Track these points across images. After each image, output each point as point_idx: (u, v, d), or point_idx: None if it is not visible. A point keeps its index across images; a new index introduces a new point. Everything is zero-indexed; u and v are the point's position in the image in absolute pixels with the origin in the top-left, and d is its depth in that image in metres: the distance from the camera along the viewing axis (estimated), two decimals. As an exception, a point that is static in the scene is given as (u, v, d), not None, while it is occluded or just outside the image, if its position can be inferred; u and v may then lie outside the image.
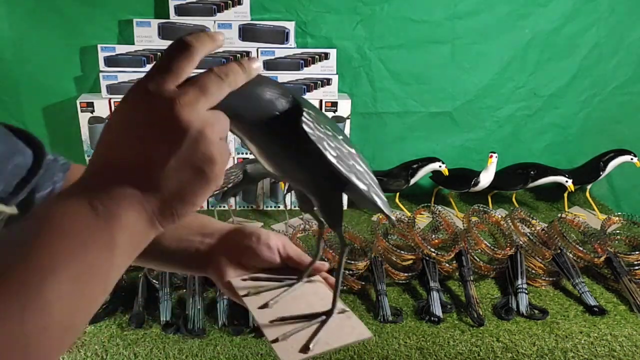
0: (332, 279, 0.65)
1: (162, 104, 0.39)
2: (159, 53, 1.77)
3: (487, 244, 1.45)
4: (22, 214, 0.60)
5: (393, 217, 0.56)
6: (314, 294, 0.62)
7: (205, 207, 1.84)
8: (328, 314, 0.58)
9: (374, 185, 0.53)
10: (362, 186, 0.51)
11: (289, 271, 0.65)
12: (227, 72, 0.42)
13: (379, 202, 0.53)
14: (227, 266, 0.62)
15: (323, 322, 0.57)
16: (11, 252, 0.38)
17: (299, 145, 0.47)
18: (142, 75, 0.41)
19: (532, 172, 1.85)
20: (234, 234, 0.64)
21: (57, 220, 0.38)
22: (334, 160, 0.47)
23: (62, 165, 0.66)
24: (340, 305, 0.59)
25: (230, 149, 0.47)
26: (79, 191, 0.40)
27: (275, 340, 0.54)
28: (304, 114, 0.47)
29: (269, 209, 1.88)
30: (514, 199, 1.93)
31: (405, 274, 1.40)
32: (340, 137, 0.50)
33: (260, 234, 0.63)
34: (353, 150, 0.52)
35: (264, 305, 0.59)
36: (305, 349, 0.53)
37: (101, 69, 1.75)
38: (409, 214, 1.76)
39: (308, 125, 0.46)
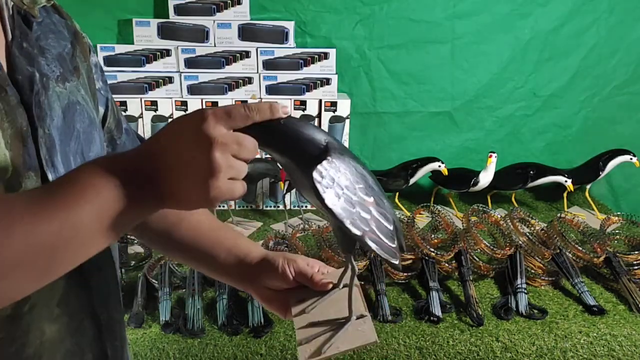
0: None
1: (199, 119, 0.52)
2: (158, 53, 1.77)
3: (487, 243, 1.45)
4: None
5: (395, 261, 0.63)
6: (346, 299, 0.70)
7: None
8: (347, 319, 0.67)
9: (378, 233, 0.61)
10: (354, 231, 0.58)
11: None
12: (254, 108, 0.54)
13: (374, 247, 0.60)
14: (261, 290, 0.77)
15: (341, 327, 0.66)
16: (66, 184, 0.52)
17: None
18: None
19: (531, 172, 1.85)
20: (262, 264, 0.77)
21: (103, 176, 0.52)
22: (331, 206, 0.57)
23: None
24: (361, 310, 0.68)
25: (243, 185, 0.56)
26: (123, 167, 0.54)
27: (301, 344, 0.65)
28: (324, 162, 0.57)
29: (268, 208, 1.88)
30: (513, 199, 1.94)
31: (405, 274, 1.40)
32: (360, 186, 0.60)
33: (277, 265, 0.75)
34: (370, 199, 0.60)
35: (302, 312, 0.70)
36: (317, 352, 0.63)
37: (101, 68, 1.75)
38: (408, 213, 1.76)
39: (319, 172, 0.57)
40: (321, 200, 0.57)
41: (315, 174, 0.57)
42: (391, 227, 0.62)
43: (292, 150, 0.58)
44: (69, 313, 0.63)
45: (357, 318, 0.68)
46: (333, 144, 0.59)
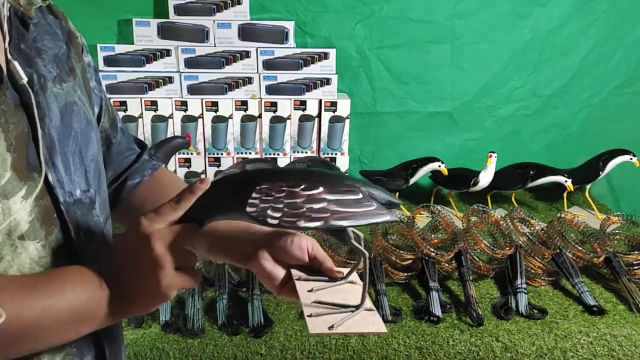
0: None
1: (136, 225, 0.60)
2: (158, 53, 1.77)
3: (487, 243, 1.45)
4: (116, 195, 0.83)
5: (384, 218, 0.63)
6: (351, 291, 0.72)
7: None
8: (357, 307, 0.68)
9: (344, 210, 0.62)
10: (312, 225, 0.60)
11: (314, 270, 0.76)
12: (178, 200, 0.61)
13: (345, 224, 0.61)
14: (265, 262, 0.74)
15: (351, 312, 0.67)
16: (51, 276, 0.59)
17: None
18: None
19: (531, 172, 1.85)
20: (273, 235, 0.75)
21: (82, 275, 0.60)
22: (274, 222, 0.60)
23: (153, 165, 0.87)
24: (369, 304, 0.69)
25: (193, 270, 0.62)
26: (95, 271, 0.60)
27: (310, 316, 0.66)
28: (252, 194, 0.61)
29: (268, 208, 1.87)
30: (513, 199, 1.93)
31: (405, 274, 1.40)
32: (302, 186, 0.62)
33: (294, 237, 0.74)
34: (318, 190, 0.62)
35: (310, 290, 0.71)
36: (330, 327, 0.64)
37: (100, 68, 1.75)
38: (408, 213, 1.76)
39: (251, 205, 0.61)
40: (268, 225, 0.61)
41: (248, 209, 0.61)
42: (360, 196, 0.63)
43: (227, 205, 0.63)
44: None
45: (366, 310, 0.69)
46: (260, 171, 0.64)
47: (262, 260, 0.74)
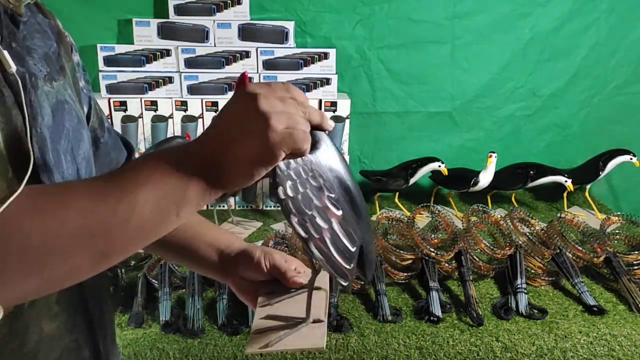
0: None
1: (241, 88, 0.53)
2: (158, 53, 1.77)
3: (487, 243, 1.45)
4: None
5: (342, 282, 0.58)
6: (313, 299, 0.69)
7: (205, 208, 1.84)
8: (304, 320, 0.67)
9: (329, 245, 0.57)
10: (299, 230, 0.55)
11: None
12: (309, 109, 0.55)
13: (317, 256, 0.56)
14: (236, 277, 0.79)
15: (296, 326, 0.66)
16: (121, 171, 0.56)
17: None
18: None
19: (531, 172, 1.85)
20: (241, 255, 0.78)
21: (159, 160, 0.54)
22: (281, 195, 0.54)
23: None
24: (320, 315, 0.68)
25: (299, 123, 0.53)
26: (182, 149, 0.55)
27: (255, 332, 0.65)
28: (295, 158, 0.55)
29: (268, 208, 1.88)
30: (513, 199, 1.94)
31: (405, 274, 1.40)
32: (330, 195, 0.58)
33: (254, 257, 0.77)
34: (337, 212, 0.58)
35: (267, 304, 0.70)
36: (265, 345, 0.63)
37: (100, 68, 1.75)
38: (408, 213, 1.76)
39: (287, 163, 0.55)
40: (275, 192, 0.55)
41: (279, 163, 0.54)
42: (352, 249, 0.59)
43: None
44: (66, 310, 0.64)
45: (314, 321, 0.67)
46: (323, 139, 0.58)
47: (234, 279, 0.79)
